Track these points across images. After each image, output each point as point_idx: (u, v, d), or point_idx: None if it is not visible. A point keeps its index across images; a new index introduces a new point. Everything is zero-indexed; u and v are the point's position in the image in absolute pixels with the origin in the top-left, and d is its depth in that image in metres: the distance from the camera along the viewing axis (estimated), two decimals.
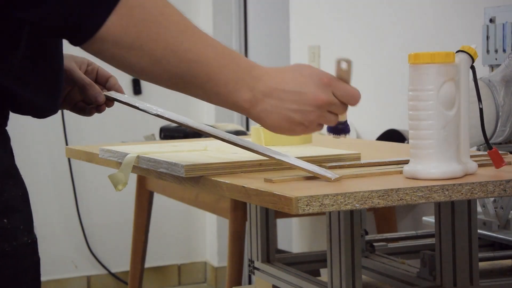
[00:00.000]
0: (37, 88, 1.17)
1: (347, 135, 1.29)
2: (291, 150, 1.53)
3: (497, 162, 1.31)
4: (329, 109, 1.20)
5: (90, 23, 1.06)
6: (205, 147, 1.62)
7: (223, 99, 1.18)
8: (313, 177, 1.25)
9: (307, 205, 1.09)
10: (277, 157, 1.30)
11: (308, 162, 1.33)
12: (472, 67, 1.30)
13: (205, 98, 1.19)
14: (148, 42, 1.10)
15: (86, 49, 1.10)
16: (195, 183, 1.34)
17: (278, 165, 1.36)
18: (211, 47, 1.16)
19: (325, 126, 1.26)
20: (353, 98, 1.21)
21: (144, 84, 4.50)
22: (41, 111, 1.22)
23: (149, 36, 1.09)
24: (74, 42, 1.09)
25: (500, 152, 1.31)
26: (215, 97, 1.18)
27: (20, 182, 1.20)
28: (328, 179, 1.22)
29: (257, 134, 1.67)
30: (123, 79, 4.47)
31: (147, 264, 3.93)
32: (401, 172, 1.27)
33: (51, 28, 1.08)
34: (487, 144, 1.32)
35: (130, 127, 4.40)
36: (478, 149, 1.89)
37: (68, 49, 1.23)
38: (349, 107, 1.23)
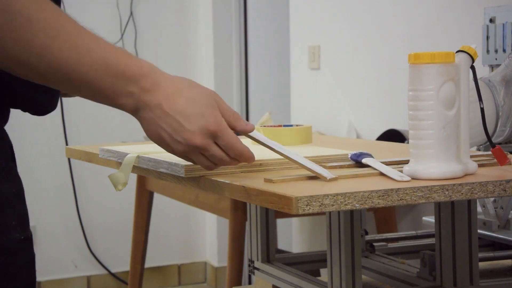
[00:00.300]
0: (36, 84, 1.15)
1: None
2: (290, 150, 1.53)
3: (501, 159, 1.31)
4: (203, 153, 1.19)
5: None
6: None
7: (104, 102, 1.15)
8: (314, 177, 1.25)
9: (307, 205, 1.09)
10: (285, 152, 1.30)
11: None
12: (472, 67, 1.30)
13: (86, 98, 1.15)
14: (11, 46, 1.06)
15: None
16: (195, 183, 1.34)
17: (278, 165, 1.36)
18: (88, 55, 1.09)
19: None
20: (242, 156, 1.20)
21: None
22: (40, 108, 1.22)
23: (12, 40, 1.06)
24: None
25: None
26: (95, 99, 1.15)
27: (14, 179, 1.20)
28: (323, 178, 1.22)
29: None
30: None
31: (147, 264, 3.93)
32: (401, 172, 1.27)
33: None
34: (490, 142, 1.32)
35: (130, 127, 4.40)
36: (478, 149, 1.89)
37: None
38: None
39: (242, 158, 1.21)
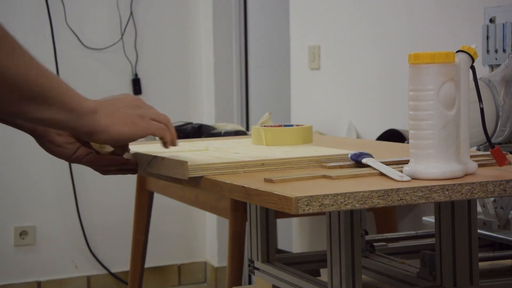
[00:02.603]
0: None
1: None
2: (291, 149, 1.53)
3: (500, 160, 1.31)
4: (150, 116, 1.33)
5: None
6: (206, 147, 1.62)
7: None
8: (315, 177, 1.25)
9: (307, 205, 1.09)
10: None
11: (308, 161, 1.33)
12: (472, 67, 1.30)
13: (49, 116, 1.22)
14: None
15: None
16: (196, 183, 1.34)
17: (280, 165, 1.36)
18: (55, 80, 1.21)
19: None
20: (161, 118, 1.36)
21: (144, 84, 4.51)
22: None
23: (1, 66, 1.11)
24: None
25: None
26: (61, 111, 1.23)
27: None
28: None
29: (258, 134, 1.67)
30: (124, 79, 4.48)
31: (147, 264, 3.93)
32: (401, 172, 1.27)
33: None
34: (489, 143, 1.32)
35: None
36: (478, 149, 1.89)
37: None
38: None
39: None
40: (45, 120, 1.21)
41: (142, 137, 1.32)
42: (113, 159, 1.44)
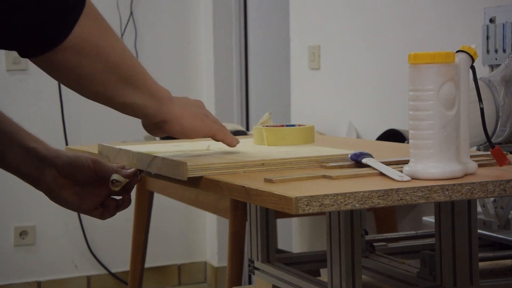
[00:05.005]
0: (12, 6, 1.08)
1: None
2: (293, 149, 1.53)
3: (500, 160, 1.31)
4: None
5: (60, 30, 1.09)
6: (207, 147, 1.62)
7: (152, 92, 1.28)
8: (315, 177, 1.25)
9: (307, 205, 1.09)
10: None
11: (308, 161, 1.33)
12: (472, 67, 1.30)
13: (136, 98, 1.24)
14: (104, 51, 1.16)
15: (45, 60, 1.11)
16: (196, 183, 1.34)
17: (280, 165, 1.36)
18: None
19: None
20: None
21: None
22: (25, 41, 1.11)
23: (106, 45, 1.16)
24: (38, 51, 1.09)
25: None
26: (149, 96, 1.27)
27: None
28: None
29: (260, 134, 1.67)
30: None
31: (147, 264, 3.93)
32: (401, 172, 1.27)
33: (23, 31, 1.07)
34: (489, 143, 1.32)
35: (130, 127, 4.40)
36: (478, 149, 1.89)
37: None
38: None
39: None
40: (131, 105, 1.23)
41: (206, 135, 1.37)
42: (119, 207, 1.46)
